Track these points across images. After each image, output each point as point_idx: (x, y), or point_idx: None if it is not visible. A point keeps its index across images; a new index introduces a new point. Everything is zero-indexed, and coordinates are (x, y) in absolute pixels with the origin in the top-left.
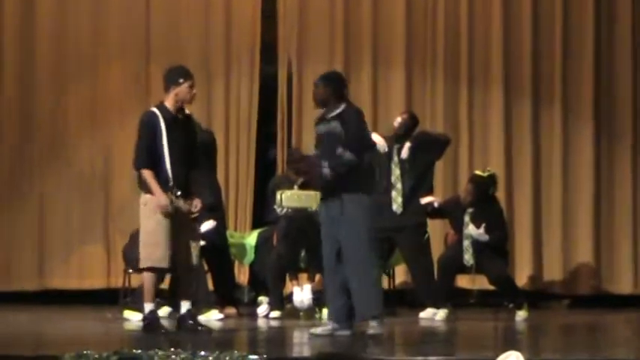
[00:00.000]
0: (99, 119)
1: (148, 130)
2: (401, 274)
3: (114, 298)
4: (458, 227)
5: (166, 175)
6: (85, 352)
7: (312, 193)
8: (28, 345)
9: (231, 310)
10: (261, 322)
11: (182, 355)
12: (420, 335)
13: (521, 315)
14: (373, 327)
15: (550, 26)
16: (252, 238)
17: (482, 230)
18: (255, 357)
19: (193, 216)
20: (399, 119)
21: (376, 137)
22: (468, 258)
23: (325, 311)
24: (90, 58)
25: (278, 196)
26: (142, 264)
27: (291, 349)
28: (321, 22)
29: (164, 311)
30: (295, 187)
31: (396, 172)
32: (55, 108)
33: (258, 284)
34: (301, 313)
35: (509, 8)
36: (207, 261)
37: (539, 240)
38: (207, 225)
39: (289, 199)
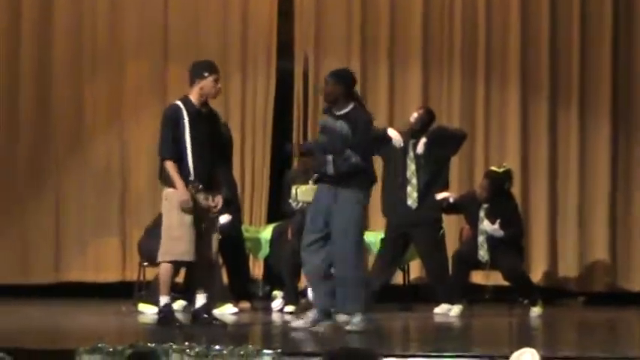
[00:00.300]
0: (116, 116)
1: (171, 122)
2: (416, 269)
3: (129, 292)
4: (473, 223)
5: (188, 169)
6: (99, 345)
7: None
8: (44, 338)
9: (246, 305)
10: (275, 317)
11: (196, 349)
12: (435, 331)
13: (535, 311)
14: (354, 323)
15: (567, 25)
16: (267, 233)
17: (497, 226)
18: (270, 352)
19: (213, 212)
20: (415, 114)
21: (392, 132)
22: (483, 254)
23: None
24: (107, 55)
25: (293, 191)
26: (163, 257)
27: (306, 344)
28: (338, 19)
29: (179, 305)
30: (310, 181)
31: (411, 167)
32: (72, 104)
33: (272, 278)
34: None
35: (526, 5)
36: (222, 255)
37: (554, 236)
38: (222, 219)
39: (304, 193)
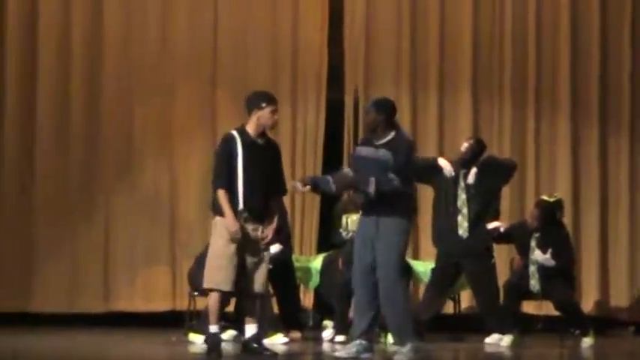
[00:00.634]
0: (164, 142)
1: (225, 152)
2: (466, 299)
3: (179, 321)
4: (524, 252)
5: (237, 199)
6: None
7: None
8: None
9: (296, 334)
10: (325, 346)
11: None
12: None
13: (587, 342)
14: (403, 353)
15: (617, 54)
16: (317, 262)
17: (548, 255)
18: None
19: (263, 244)
20: (465, 144)
21: (442, 161)
22: (534, 283)
23: (389, 336)
24: (156, 82)
25: (344, 220)
26: (205, 284)
27: None
28: (388, 48)
29: (229, 334)
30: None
31: (462, 196)
32: (121, 130)
33: (323, 308)
34: None
35: (577, 35)
36: (273, 284)
37: (605, 266)
38: (273, 248)
39: (355, 223)
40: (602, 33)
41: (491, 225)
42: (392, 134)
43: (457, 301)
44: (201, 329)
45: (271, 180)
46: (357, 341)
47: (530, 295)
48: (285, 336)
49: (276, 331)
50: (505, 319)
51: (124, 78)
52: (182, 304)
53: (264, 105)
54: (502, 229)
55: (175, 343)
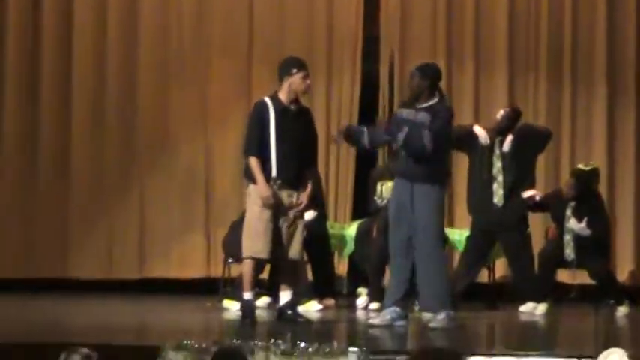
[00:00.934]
0: (201, 117)
1: (256, 119)
2: (501, 267)
3: (214, 288)
4: (559, 221)
5: (270, 166)
6: (185, 342)
7: None
8: (129, 334)
9: (330, 302)
10: (360, 314)
11: (281, 346)
12: (520, 330)
13: (622, 311)
14: (437, 320)
15: None
16: (352, 230)
17: (583, 224)
18: (356, 349)
19: (295, 211)
20: (501, 112)
21: (478, 129)
22: (569, 252)
23: (420, 304)
24: (193, 57)
25: (379, 188)
26: (244, 253)
27: (389, 342)
28: (424, 17)
29: (263, 301)
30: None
31: (497, 164)
32: (158, 106)
33: (357, 275)
34: None
35: (613, 8)
36: (307, 251)
37: None
38: (307, 215)
39: (390, 190)
40: (638, 8)
41: (526, 194)
42: (435, 99)
43: (492, 270)
44: (236, 296)
45: (304, 147)
46: (392, 308)
47: (565, 264)
48: (320, 303)
49: (310, 298)
50: (540, 287)
51: (160, 59)
52: (216, 271)
53: (294, 71)
54: (537, 198)
55: (210, 310)
